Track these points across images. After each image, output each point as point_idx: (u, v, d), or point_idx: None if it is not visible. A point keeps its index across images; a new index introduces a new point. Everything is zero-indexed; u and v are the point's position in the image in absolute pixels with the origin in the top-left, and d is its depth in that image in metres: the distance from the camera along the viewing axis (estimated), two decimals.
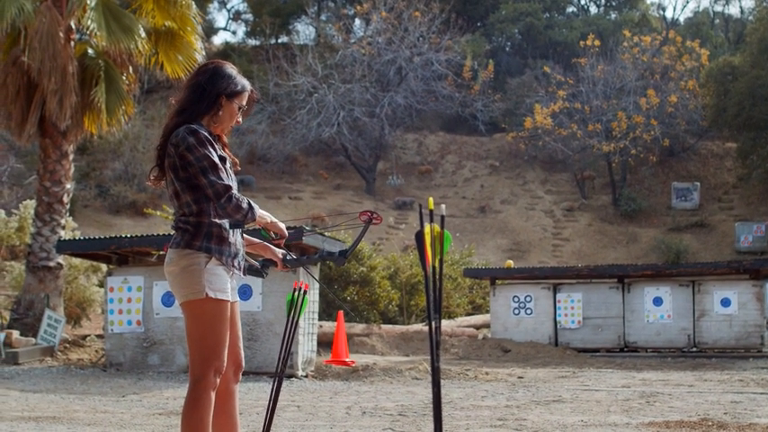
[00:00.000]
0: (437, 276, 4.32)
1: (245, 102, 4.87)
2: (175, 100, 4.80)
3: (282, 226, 4.92)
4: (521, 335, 18.31)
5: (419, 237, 4.32)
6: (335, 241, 13.73)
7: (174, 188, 4.66)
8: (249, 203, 4.61)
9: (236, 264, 4.72)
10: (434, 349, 4.27)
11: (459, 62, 41.83)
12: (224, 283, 4.65)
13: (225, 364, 4.68)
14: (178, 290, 4.67)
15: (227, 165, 4.72)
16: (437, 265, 4.32)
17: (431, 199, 4.44)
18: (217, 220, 4.64)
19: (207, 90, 4.72)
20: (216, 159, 4.58)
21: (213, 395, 4.63)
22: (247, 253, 4.96)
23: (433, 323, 4.27)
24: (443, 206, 4.40)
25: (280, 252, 5.06)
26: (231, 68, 4.85)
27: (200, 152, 4.55)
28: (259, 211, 4.70)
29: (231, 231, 4.70)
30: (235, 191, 4.57)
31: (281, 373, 5.47)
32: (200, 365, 4.61)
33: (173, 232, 4.76)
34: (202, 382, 4.59)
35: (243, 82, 4.84)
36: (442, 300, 4.37)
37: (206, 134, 4.63)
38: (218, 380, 4.65)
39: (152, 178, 4.82)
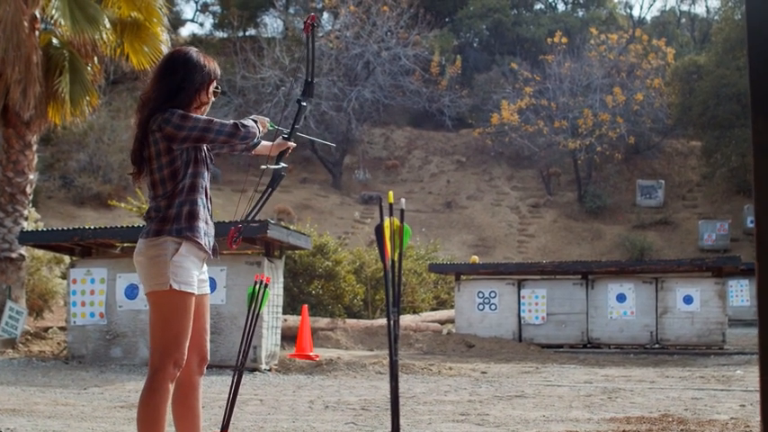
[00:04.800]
0: (396, 270, 4.32)
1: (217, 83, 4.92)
2: (146, 94, 4.74)
3: (264, 119, 5.01)
4: (485, 330, 18.35)
5: (378, 230, 4.33)
6: (301, 235, 13.70)
7: (153, 177, 4.64)
8: (247, 122, 4.77)
9: (206, 242, 4.70)
10: (393, 343, 4.28)
11: (426, 57, 41.92)
12: (189, 276, 4.62)
13: (185, 357, 4.64)
14: (144, 280, 4.65)
15: (203, 154, 4.75)
16: (396, 258, 4.33)
17: (391, 193, 4.45)
18: (189, 198, 4.63)
19: (185, 87, 4.70)
20: (203, 117, 4.65)
21: (171, 386, 4.60)
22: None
23: (392, 317, 4.28)
24: (403, 200, 4.41)
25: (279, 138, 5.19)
26: (197, 54, 4.80)
27: (191, 121, 4.58)
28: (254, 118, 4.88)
29: (201, 209, 4.68)
30: (232, 120, 4.72)
31: (242, 366, 5.46)
32: (159, 356, 4.58)
33: (142, 223, 4.76)
34: (161, 373, 4.56)
35: (212, 67, 4.82)
36: (401, 293, 4.38)
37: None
38: (178, 372, 4.62)
39: (134, 173, 4.76)
